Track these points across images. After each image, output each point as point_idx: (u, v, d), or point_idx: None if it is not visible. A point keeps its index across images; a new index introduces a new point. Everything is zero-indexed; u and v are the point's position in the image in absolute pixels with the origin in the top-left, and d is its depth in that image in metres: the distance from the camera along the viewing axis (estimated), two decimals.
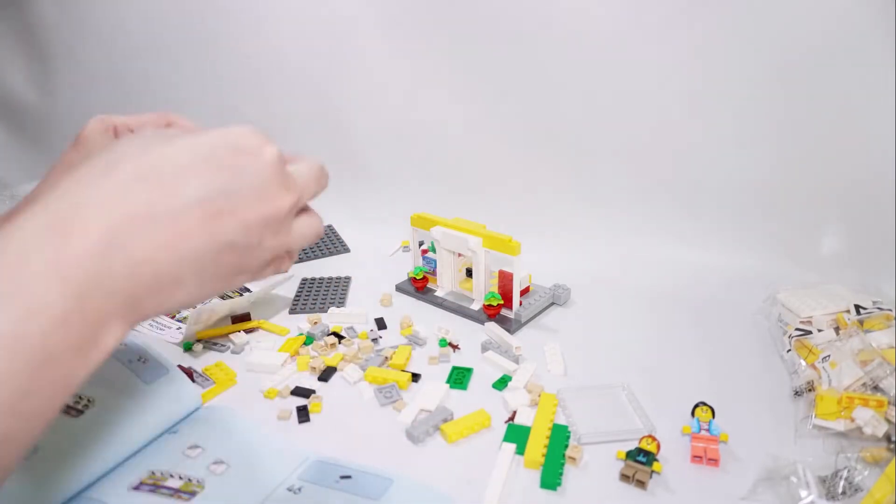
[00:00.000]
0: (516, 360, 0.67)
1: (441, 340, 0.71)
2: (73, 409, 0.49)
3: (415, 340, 0.72)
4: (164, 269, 0.27)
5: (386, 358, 0.68)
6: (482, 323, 0.75)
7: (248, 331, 0.75)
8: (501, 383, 0.64)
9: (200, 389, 0.62)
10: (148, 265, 0.27)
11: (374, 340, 0.72)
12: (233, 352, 0.70)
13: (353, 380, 0.64)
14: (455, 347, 0.70)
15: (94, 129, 0.40)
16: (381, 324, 0.76)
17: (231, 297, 0.80)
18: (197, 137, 0.29)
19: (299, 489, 0.48)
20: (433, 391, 0.61)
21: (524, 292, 0.80)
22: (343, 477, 0.50)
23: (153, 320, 0.79)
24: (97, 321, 0.26)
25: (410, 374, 0.65)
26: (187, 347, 0.71)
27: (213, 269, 0.29)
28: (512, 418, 0.57)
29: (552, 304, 0.81)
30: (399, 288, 0.85)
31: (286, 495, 0.47)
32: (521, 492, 0.49)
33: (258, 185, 0.30)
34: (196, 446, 0.52)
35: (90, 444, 0.48)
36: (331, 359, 0.68)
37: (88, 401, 0.51)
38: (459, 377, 0.65)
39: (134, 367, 0.57)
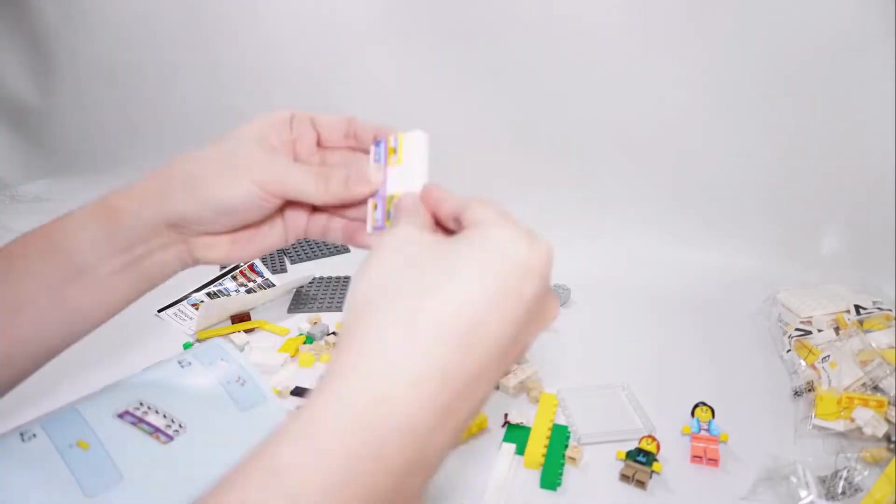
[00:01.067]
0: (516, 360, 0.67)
1: None
2: (164, 434, 0.46)
3: None
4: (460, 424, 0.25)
5: None
6: None
7: (247, 331, 0.75)
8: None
9: None
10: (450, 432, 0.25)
11: None
12: None
13: None
14: None
15: (272, 120, 0.39)
16: None
17: (240, 294, 0.82)
18: (481, 266, 0.26)
19: None
20: None
21: None
22: None
23: (177, 310, 0.80)
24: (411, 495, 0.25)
25: None
26: (188, 347, 0.71)
27: (489, 387, 0.27)
28: (506, 422, 0.57)
29: None
30: None
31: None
32: (521, 492, 0.49)
33: (540, 309, 0.28)
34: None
35: (176, 471, 0.44)
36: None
37: (180, 426, 0.46)
38: None
39: (231, 389, 0.51)
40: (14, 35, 1.40)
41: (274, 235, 0.41)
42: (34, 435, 0.43)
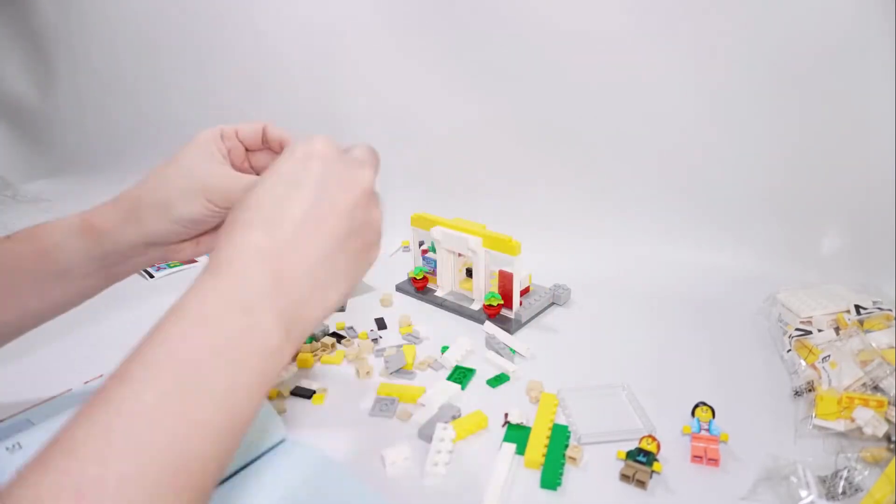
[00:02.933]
0: (511, 360, 0.67)
1: (443, 347, 0.71)
2: None
3: (414, 339, 0.72)
4: (312, 281, 0.34)
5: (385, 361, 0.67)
6: (482, 323, 0.75)
7: None
8: (496, 381, 0.64)
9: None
10: (302, 286, 0.34)
11: (374, 340, 0.72)
12: None
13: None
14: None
15: (209, 137, 0.48)
16: (381, 324, 0.76)
17: None
18: (309, 185, 0.35)
19: None
20: (437, 391, 0.61)
21: (524, 292, 0.80)
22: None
23: None
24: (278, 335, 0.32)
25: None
26: None
27: (345, 260, 0.36)
28: (506, 422, 0.57)
29: (552, 304, 0.81)
30: (399, 288, 0.85)
31: None
32: (521, 492, 0.49)
33: (342, 179, 0.36)
34: None
35: None
36: (333, 357, 0.68)
37: None
38: (460, 376, 0.65)
39: None
40: (14, 35, 1.40)
41: None
42: (19, 446, 0.42)
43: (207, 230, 0.50)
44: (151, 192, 0.46)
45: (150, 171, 0.46)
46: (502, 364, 0.66)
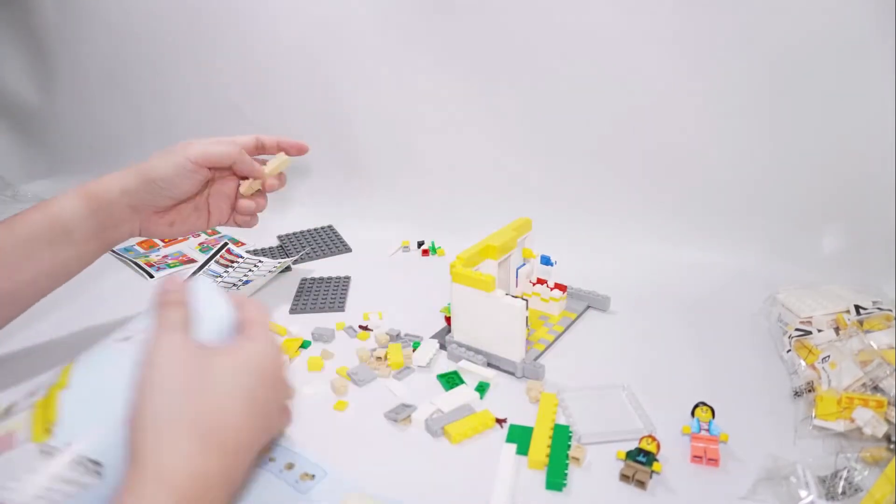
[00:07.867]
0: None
1: (415, 343, 0.70)
2: None
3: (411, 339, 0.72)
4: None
5: (378, 359, 0.67)
6: None
7: None
8: (481, 389, 0.63)
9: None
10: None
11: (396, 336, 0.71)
12: None
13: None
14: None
15: (192, 163, 0.65)
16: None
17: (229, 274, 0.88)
18: (234, 383, 0.39)
19: None
20: (454, 393, 0.61)
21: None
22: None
23: None
24: None
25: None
26: None
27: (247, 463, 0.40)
28: (501, 420, 0.57)
29: None
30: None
31: None
32: (526, 493, 0.49)
33: (280, 388, 0.45)
34: None
35: None
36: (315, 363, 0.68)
37: None
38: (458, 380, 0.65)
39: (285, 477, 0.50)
40: (14, 35, 1.39)
41: (199, 219, 0.69)
42: None
43: (182, 208, 0.66)
44: (139, 166, 0.63)
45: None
46: (482, 373, 0.65)
